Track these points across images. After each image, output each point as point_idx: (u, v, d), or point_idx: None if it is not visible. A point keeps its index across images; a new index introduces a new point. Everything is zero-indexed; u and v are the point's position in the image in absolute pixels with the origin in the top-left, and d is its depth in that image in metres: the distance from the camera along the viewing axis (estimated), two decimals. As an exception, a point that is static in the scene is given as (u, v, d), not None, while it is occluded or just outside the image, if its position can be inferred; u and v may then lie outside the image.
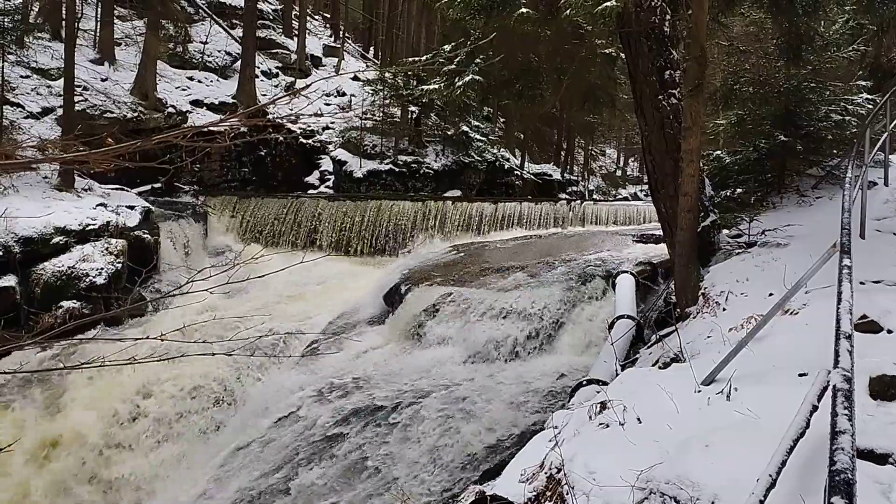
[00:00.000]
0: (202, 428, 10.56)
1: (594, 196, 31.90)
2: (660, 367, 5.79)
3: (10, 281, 13.20)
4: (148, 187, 20.03)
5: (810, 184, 10.87)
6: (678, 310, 7.77)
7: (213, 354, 2.80)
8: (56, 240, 14.11)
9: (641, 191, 38.53)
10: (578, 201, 21.56)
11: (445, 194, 22.85)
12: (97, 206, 15.35)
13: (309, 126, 24.59)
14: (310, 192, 23.11)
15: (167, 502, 9.25)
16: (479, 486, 7.06)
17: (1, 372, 9.20)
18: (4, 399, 10.94)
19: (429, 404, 9.41)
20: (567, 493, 3.72)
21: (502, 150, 27.56)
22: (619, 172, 47.22)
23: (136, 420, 10.52)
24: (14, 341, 2.70)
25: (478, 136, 25.99)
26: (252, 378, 11.60)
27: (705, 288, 7.47)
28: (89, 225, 14.74)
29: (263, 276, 4.04)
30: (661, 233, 9.71)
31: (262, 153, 23.63)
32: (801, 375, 4.56)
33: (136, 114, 20.19)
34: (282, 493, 8.47)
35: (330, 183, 23.83)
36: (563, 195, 27.23)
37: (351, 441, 9.02)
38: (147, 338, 2.67)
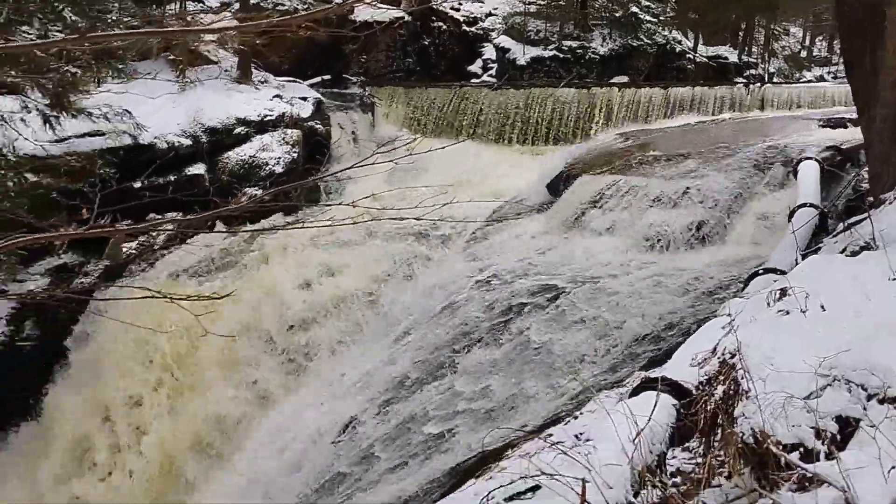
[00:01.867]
0: (374, 305, 11.17)
1: (774, 79, 29.55)
2: (847, 255, 5.41)
3: (200, 169, 14.28)
4: (318, 79, 20.66)
5: None
6: (870, 197, 7.15)
7: (403, 219, 2.91)
8: (238, 130, 15.01)
9: (829, 73, 35.28)
10: (757, 84, 20.06)
11: (612, 80, 21.97)
12: (273, 97, 16.07)
13: (472, 13, 24.20)
14: (472, 81, 22.98)
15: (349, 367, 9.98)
16: (645, 371, 7.06)
17: (214, 231, 10.00)
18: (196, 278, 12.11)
19: (592, 292, 9.40)
20: (742, 378, 3.62)
21: (674, 31, 25.91)
22: (803, 53, 43.28)
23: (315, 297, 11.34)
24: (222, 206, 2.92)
25: (648, 18, 24.52)
26: (419, 264, 12.04)
27: (904, 173, 6.81)
28: (267, 116, 15.51)
29: (427, 151, 4.08)
30: (851, 116, 8.89)
31: (426, 43, 23.61)
32: None
33: (306, 6, 20.66)
34: (448, 369, 8.87)
35: (493, 71, 23.53)
36: (740, 79, 25.42)
37: (514, 325, 9.23)
38: (340, 203, 2.81)
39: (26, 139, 11.97)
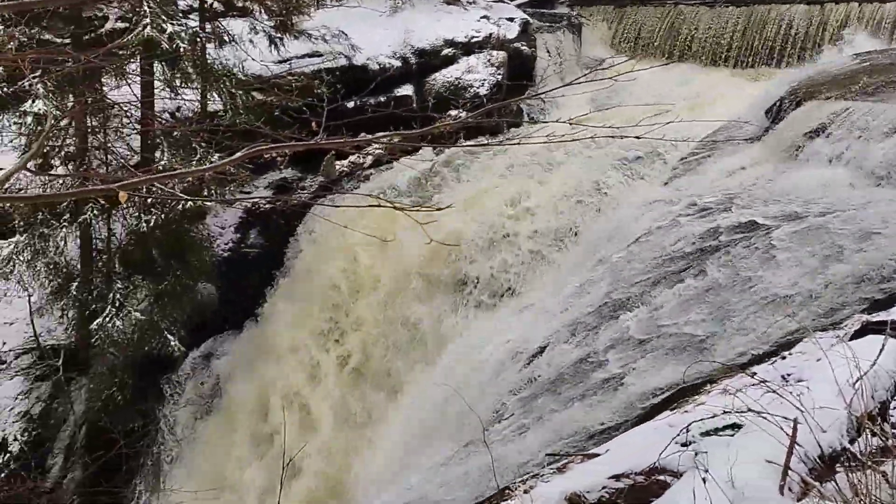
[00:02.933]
0: (570, 232, 11.13)
1: None
2: None
3: (408, 90, 14.69)
4: (525, -1, 20.34)
5: None
6: None
7: (622, 137, 2.84)
8: (445, 52, 15.21)
9: None
10: None
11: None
12: (480, 18, 16.07)
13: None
14: (688, -2, 21.60)
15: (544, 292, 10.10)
16: (867, 315, 6.53)
17: (426, 144, 10.34)
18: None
19: (807, 229, 8.73)
20: None
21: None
22: None
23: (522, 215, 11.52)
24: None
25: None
26: (620, 191, 11.78)
27: None
28: (473, 37, 15.57)
29: (636, 70, 3.92)
30: None
31: (639, -42, 22.41)
32: None
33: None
34: (645, 300, 8.69)
35: (711, -12, 21.95)
36: None
37: (717, 259, 8.81)
38: (557, 121, 2.79)
39: (254, 59, 12.87)
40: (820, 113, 11.09)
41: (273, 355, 12.45)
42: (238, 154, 2.61)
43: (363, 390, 10.99)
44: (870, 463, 2.86)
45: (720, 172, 10.96)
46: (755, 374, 5.41)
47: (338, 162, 14.77)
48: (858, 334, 4.03)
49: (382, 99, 14.32)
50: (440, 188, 13.15)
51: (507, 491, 5.15)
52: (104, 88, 11.53)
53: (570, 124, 2.79)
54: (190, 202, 11.09)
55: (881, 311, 6.55)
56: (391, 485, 8.45)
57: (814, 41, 17.00)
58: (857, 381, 3.09)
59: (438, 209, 2.57)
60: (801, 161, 10.67)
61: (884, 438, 3.08)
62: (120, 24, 11.81)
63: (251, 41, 12.91)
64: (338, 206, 11.15)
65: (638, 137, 2.79)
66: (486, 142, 10.76)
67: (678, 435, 4.44)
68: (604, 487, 4.66)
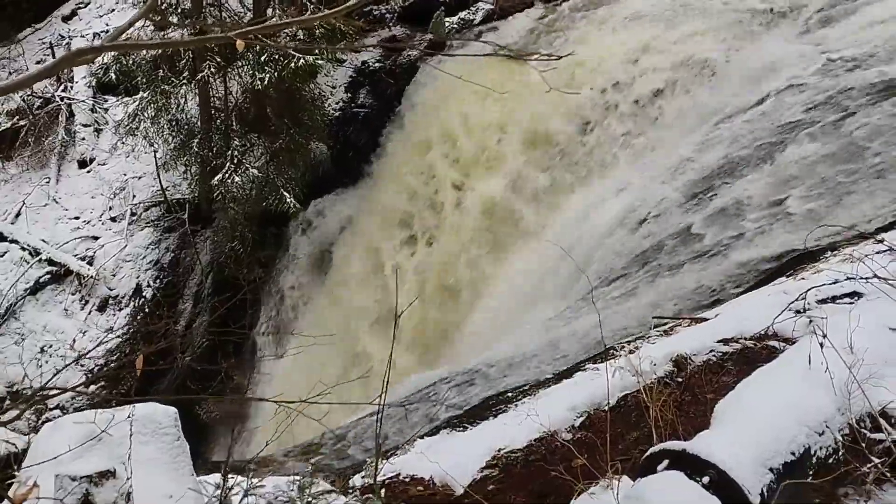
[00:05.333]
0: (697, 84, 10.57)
1: None
2: None
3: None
4: None
5: None
6: None
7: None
8: None
9: None
10: None
11: None
12: None
13: None
14: None
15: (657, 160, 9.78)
16: None
17: None
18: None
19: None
20: None
21: None
22: None
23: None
24: None
25: None
26: (744, 41, 10.97)
27: None
28: None
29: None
30: None
31: None
32: None
33: None
34: (767, 162, 8.26)
35: None
36: None
37: (852, 120, 8.18)
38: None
39: None
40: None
41: (384, 213, 12.74)
42: (341, 8, 2.56)
43: (477, 245, 11.11)
44: None
45: (866, 22, 9.91)
46: (883, 240, 5.13)
47: (448, 18, 14.39)
48: None
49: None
50: (560, 36, 12.64)
51: (611, 351, 5.21)
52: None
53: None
54: (302, 59, 11.17)
55: None
56: (496, 339, 8.68)
57: None
58: None
59: (559, 57, 2.46)
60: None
61: None
62: None
63: None
64: (452, 56, 10.90)
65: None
66: None
67: (795, 301, 4.32)
68: (711, 350, 4.65)
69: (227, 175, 11.75)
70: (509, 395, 5.37)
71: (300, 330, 12.18)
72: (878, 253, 4.18)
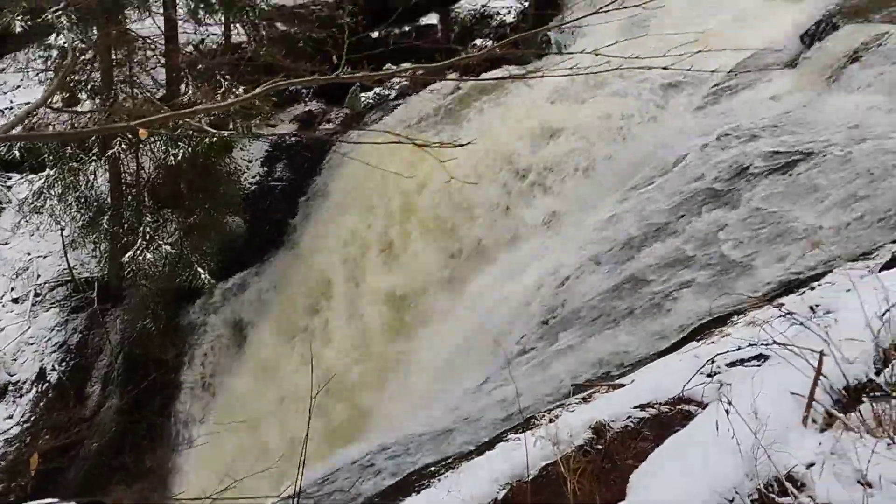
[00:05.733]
0: (599, 162, 11.01)
1: None
2: None
3: (433, 19, 14.42)
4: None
5: None
6: None
7: (650, 68, 2.77)
8: (471, -22, 14.83)
9: None
10: None
11: None
12: (507, -58, 15.57)
13: None
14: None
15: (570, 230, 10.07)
16: (899, 245, 6.43)
17: (451, 79, 10.21)
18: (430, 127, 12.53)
19: (840, 157, 8.55)
20: None
21: None
22: None
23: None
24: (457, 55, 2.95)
25: None
26: (648, 120, 11.56)
27: None
28: (502, -38, 15.14)
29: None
30: None
31: None
32: None
33: None
34: (674, 231, 8.62)
35: None
36: None
37: (747, 189, 8.68)
38: (583, 51, 2.72)
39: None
40: (858, 38, 10.72)
41: (302, 284, 12.62)
42: (258, 89, 2.60)
43: (392, 318, 11.10)
44: (894, 393, 2.87)
45: (753, 100, 10.69)
46: (782, 304, 5.39)
47: (363, 94, 14.64)
48: (889, 265, 3.98)
49: (407, 28, 14.08)
50: (467, 117, 13.00)
51: (532, 420, 5.23)
52: (127, 21, 11.46)
53: (595, 55, 2.72)
54: (216, 136, 11.12)
55: (915, 241, 6.46)
56: (415, 414, 8.62)
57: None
58: (885, 312, 3.07)
59: (459, 145, 2.54)
60: (836, 87, 10.36)
61: (911, 370, 3.07)
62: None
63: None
64: (358, 143, 11.07)
65: (665, 68, 2.72)
66: (509, 75, 10.51)
67: (704, 366, 4.47)
68: (629, 416, 4.73)
69: (138, 252, 11.47)
70: (432, 469, 5.31)
71: (217, 412, 11.80)
72: (778, 317, 4.38)
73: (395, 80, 14.88)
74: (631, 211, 9.54)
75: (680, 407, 4.72)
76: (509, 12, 14.89)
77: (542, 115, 12.10)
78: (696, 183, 9.16)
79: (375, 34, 13.29)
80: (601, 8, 3.03)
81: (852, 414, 2.83)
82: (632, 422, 4.66)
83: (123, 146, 11.36)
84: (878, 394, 2.92)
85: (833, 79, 10.53)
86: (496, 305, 9.55)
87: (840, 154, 8.60)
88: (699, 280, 7.57)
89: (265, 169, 14.05)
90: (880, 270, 4.04)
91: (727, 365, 4.60)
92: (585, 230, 9.90)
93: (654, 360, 6.25)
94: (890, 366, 3.01)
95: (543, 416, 5.38)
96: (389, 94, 14.85)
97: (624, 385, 5.54)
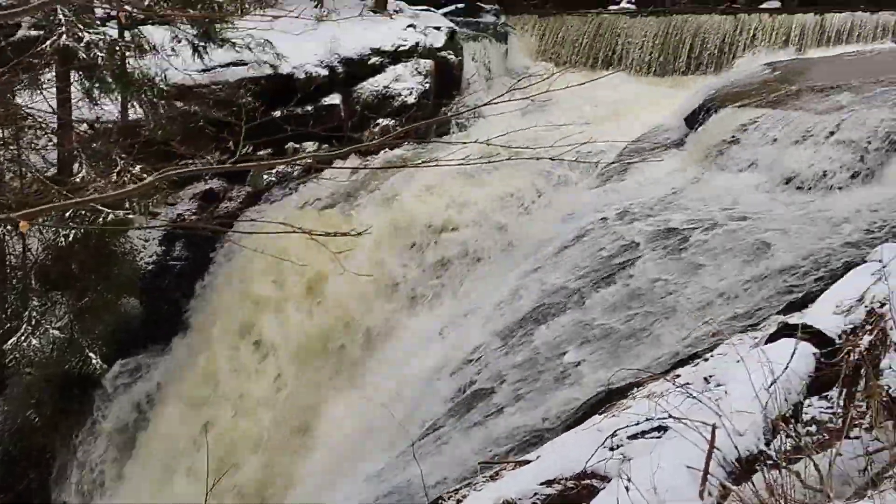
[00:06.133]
0: (501, 239, 11.26)
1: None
2: None
3: (335, 99, 14.61)
4: (451, 7, 20.38)
5: None
6: None
7: (538, 158, 2.89)
8: (372, 60, 15.18)
9: None
10: (928, 9, 18.21)
11: (762, 6, 20.52)
12: (407, 27, 16.09)
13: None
14: (611, 8, 22.06)
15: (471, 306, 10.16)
16: (783, 316, 6.80)
17: (345, 167, 10.31)
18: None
19: (725, 232, 9.06)
20: (891, 329, 3.43)
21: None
22: None
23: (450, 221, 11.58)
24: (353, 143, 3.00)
25: (805, -63, 22.66)
26: (548, 199, 11.97)
27: None
28: (400, 46, 15.57)
29: (561, 88, 4.01)
30: None
31: (563, -33, 22.82)
32: None
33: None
34: (574, 305, 8.85)
35: (633, -3, 22.51)
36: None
37: (642, 263, 9.06)
38: (475, 141, 2.82)
39: (176, 69, 12.58)
40: (735, 120, 11.49)
41: (199, 370, 12.18)
42: (149, 178, 2.56)
43: (292, 404, 10.83)
44: (784, 463, 2.99)
45: (643, 179, 11.25)
46: (678, 376, 5.58)
47: (266, 173, 14.57)
48: (773, 337, 4.19)
49: (309, 108, 14.19)
50: (372, 198, 13.09)
51: (439, 501, 5.17)
52: (17, 99, 11.12)
53: (487, 144, 2.83)
54: (111, 214, 10.77)
55: (796, 311, 6.83)
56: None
57: (729, 50, 17.62)
58: (771, 384, 3.22)
59: (358, 234, 2.57)
60: (719, 167, 11.03)
61: (797, 439, 3.22)
62: (33, 32, 11.42)
63: (173, 49, 12.63)
64: (252, 234, 10.94)
65: (552, 159, 2.85)
66: (404, 164, 10.67)
67: (606, 440, 4.54)
68: (535, 493, 4.73)
69: (22, 338, 10.84)
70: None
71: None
72: (675, 389, 4.52)
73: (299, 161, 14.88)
74: (533, 286, 9.75)
75: (585, 482, 4.75)
76: (410, 93, 15.25)
77: (447, 192, 12.34)
78: (594, 258, 9.48)
79: (277, 113, 13.32)
80: (492, 99, 3.16)
81: (746, 485, 2.93)
82: (539, 499, 4.66)
83: (8, 227, 10.85)
84: (769, 462, 3.04)
85: (716, 159, 11.22)
86: (400, 386, 9.48)
87: (725, 230, 9.10)
88: (599, 353, 7.77)
89: (163, 248, 13.64)
90: (766, 342, 4.24)
91: (629, 437, 4.69)
92: (489, 306, 10.04)
93: (560, 435, 6.32)
94: (778, 436, 3.14)
95: (451, 496, 5.32)
96: (293, 172, 14.80)
97: (530, 461, 5.55)
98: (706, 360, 6.40)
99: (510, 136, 2.65)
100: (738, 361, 3.70)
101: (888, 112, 10.15)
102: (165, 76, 12.25)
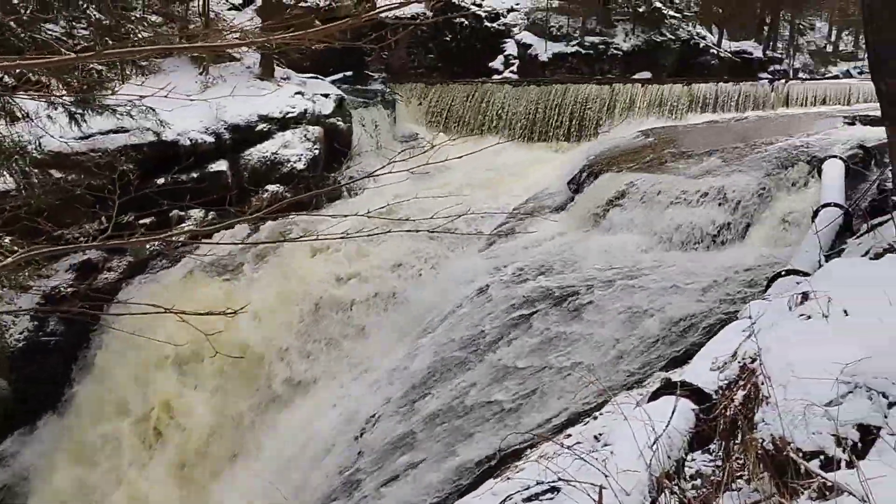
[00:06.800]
0: (393, 303, 11.24)
1: (800, 75, 29.22)
2: (871, 258, 5.36)
3: (222, 166, 14.37)
4: (339, 75, 20.66)
5: None
6: (894, 198, 7.08)
7: (417, 231, 2.92)
8: (260, 127, 15.09)
9: (856, 68, 34.75)
10: (781, 81, 19.83)
11: (635, 76, 21.83)
12: (295, 94, 16.14)
13: (494, 9, 24.15)
14: (494, 77, 22.92)
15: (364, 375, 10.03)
16: (665, 373, 7.03)
17: (231, 243, 10.11)
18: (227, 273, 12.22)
19: (610, 292, 9.36)
20: (762, 384, 3.60)
21: (698, 27, 25.70)
22: (829, 48, 42.69)
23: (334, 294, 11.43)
24: (236, 216, 2.94)
25: (671, 13, 24.36)
26: (434, 264, 12.07)
27: (929, 174, 6.73)
28: (289, 113, 15.58)
29: (447, 159, 4.13)
30: (878, 114, 8.75)
31: (447, 39, 23.59)
32: None
33: (328, 1, 20.71)
34: (468, 367, 8.88)
35: (514, 68, 23.46)
36: (765, 74, 25.17)
37: (532, 324, 9.22)
38: (356, 214, 2.83)
39: (52, 136, 12.08)
40: (615, 185, 12.02)
41: (78, 451, 11.42)
42: (8, 260, 2.43)
43: (177, 485, 10.29)
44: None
45: (530, 242, 11.52)
46: (569, 435, 5.65)
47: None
48: (656, 395, 4.33)
49: (195, 175, 13.87)
50: (260, 264, 12.84)
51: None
52: None
53: (368, 217, 2.85)
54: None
55: (677, 367, 7.08)
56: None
57: (607, 117, 18.55)
58: (654, 442, 3.31)
59: (234, 313, 2.51)
60: (601, 229, 11.45)
61: (681, 494, 3.30)
62: None
63: (49, 117, 12.14)
64: (120, 315, 10.49)
65: (431, 231, 2.90)
66: (284, 238, 10.50)
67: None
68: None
69: None
70: None
71: None
72: (566, 449, 4.58)
73: (183, 225, 14.48)
74: (425, 351, 9.74)
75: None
76: (300, 160, 15.22)
77: (337, 260, 12.27)
78: (484, 321, 9.58)
79: (161, 180, 12.97)
80: (381, 168, 3.19)
81: (634, 544, 2.97)
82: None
83: None
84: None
85: (599, 221, 11.65)
86: (289, 462, 9.18)
87: (610, 290, 9.41)
88: (493, 416, 7.78)
89: (35, 324, 12.83)
90: (649, 399, 4.37)
91: (524, 501, 4.70)
92: (381, 373, 9.95)
93: (455, 501, 6.26)
94: (663, 494, 3.21)
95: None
96: (178, 241, 14.36)
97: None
98: (596, 418, 6.52)
99: (392, 206, 2.66)
100: (624, 420, 3.78)
101: (753, 175, 10.86)
102: (40, 144, 11.72)
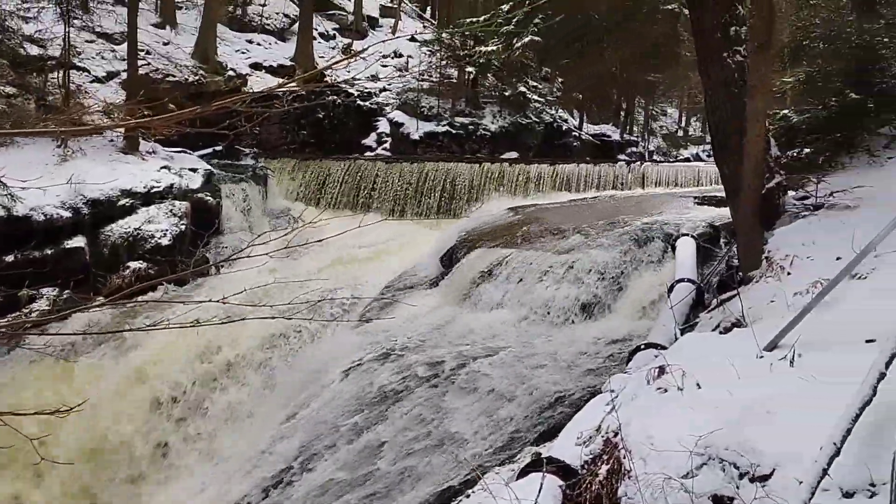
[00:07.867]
0: (262, 384, 10.87)
1: (654, 157, 31.25)
2: (720, 332, 5.68)
3: (80, 242, 13.65)
4: (209, 150, 20.31)
5: (882, 143, 10.43)
6: (741, 273, 7.59)
7: (274, 318, 2.85)
8: (123, 202, 14.51)
9: (704, 151, 37.58)
10: (638, 163, 21.14)
11: (503, 156, 22.66)
12: (161, 168, 15.69)
13: (366, 88, 24.60)
14: (367, 154, 23.19)
15: (233, 457, 9.57)
16: (536, 447, 7.10)
17: (74, 333, 9.57)
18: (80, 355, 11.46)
19: (483, 366, 9.46)
20: (624, 457, 3.70)
21: (560, 111, 27.14)
22: (680, 133, 46.07)
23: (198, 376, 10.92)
24: (86, 302, 2.79)
25: (535, 97, 25.63)
26: (306, 341, 11.84)
27: (769, 251, 7.28)
28: (154, 187, 15.09)
29: (322, 239, 4.11)
30: (724, 195, 9.46)
31: (320, 116, 23.74)
32: (868, 342, 4.42)
33: (197, 77, 20.48)
34: (339, 448, 8.66)
35: (387, 145, 23.85)
36: (623, 156, 26.77)
37: (407, 401, 9.15)
38: (209, 300, 2.73)
39: None
40: (484, 261, 12.30)
41: None
42: None
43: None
44: None
45: (402, 318, 11.52)
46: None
47: (-6, 321, 13.07)
48: (525, 471, 4.36)
49: (49, 252, 13.09)
50: (117, 345, 12.16)
51: None
52: None
53: (223, 303, 2.77)
54: None
55: (547, 441, 7.18)
56: None
57: (477, 195, 19.05)
58: (521, 522, 3.31)
59: (67, 412, 2.34)
60: (472, 304, 11.63)
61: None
62: None
63: None
64: None
65: (289, 318, 2.86)
66: (131, 328, 10.00)
67: None
68: None
69: None
70: None
71: None
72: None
73: (34, 305, 13.56)
74: (298, 430, 9.44)
75: None
76: (165, 235, 14.69)
77: (201, 337, 11.78)
78: (357, 398, 9.42)
79: (10, 258, 12.16)
80: (235, 254, 3.12)
81: None
82: None
83: None
84: None
85: (470, 296, 11.83)
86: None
87: (481, 364, 9.50)
88: (366, 498, 7.58)
89: None
90: (518, 477, 4.39)
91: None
92: (253, 452, 9.53)
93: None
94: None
95: None
96: (26, 322, 13.41)
97: None
98: (468, 496, 6.47)
99: (252, 290, 2.61)
100: (494, 499, 3.78)
101: (615, 252, 11.40)
102: None
